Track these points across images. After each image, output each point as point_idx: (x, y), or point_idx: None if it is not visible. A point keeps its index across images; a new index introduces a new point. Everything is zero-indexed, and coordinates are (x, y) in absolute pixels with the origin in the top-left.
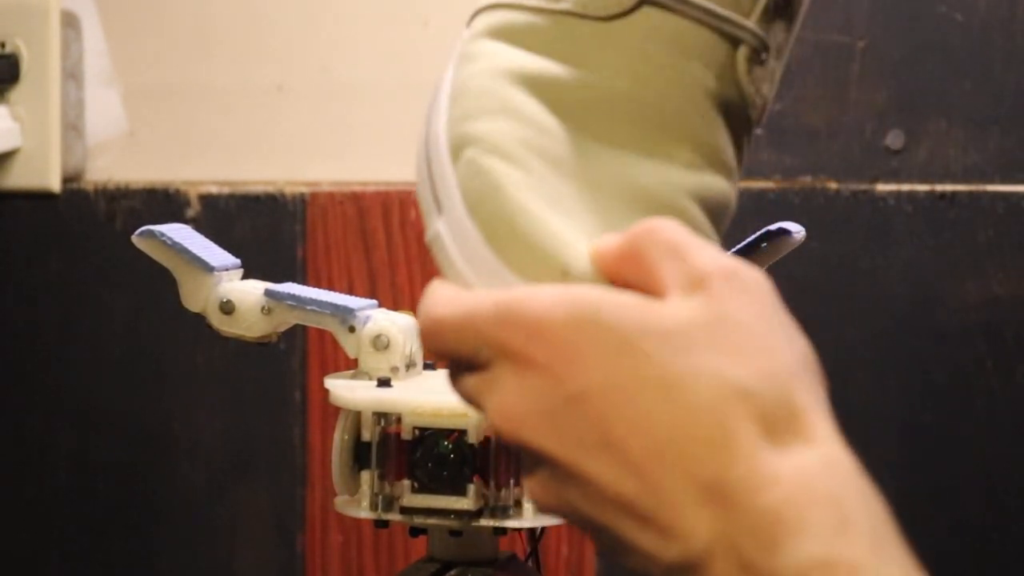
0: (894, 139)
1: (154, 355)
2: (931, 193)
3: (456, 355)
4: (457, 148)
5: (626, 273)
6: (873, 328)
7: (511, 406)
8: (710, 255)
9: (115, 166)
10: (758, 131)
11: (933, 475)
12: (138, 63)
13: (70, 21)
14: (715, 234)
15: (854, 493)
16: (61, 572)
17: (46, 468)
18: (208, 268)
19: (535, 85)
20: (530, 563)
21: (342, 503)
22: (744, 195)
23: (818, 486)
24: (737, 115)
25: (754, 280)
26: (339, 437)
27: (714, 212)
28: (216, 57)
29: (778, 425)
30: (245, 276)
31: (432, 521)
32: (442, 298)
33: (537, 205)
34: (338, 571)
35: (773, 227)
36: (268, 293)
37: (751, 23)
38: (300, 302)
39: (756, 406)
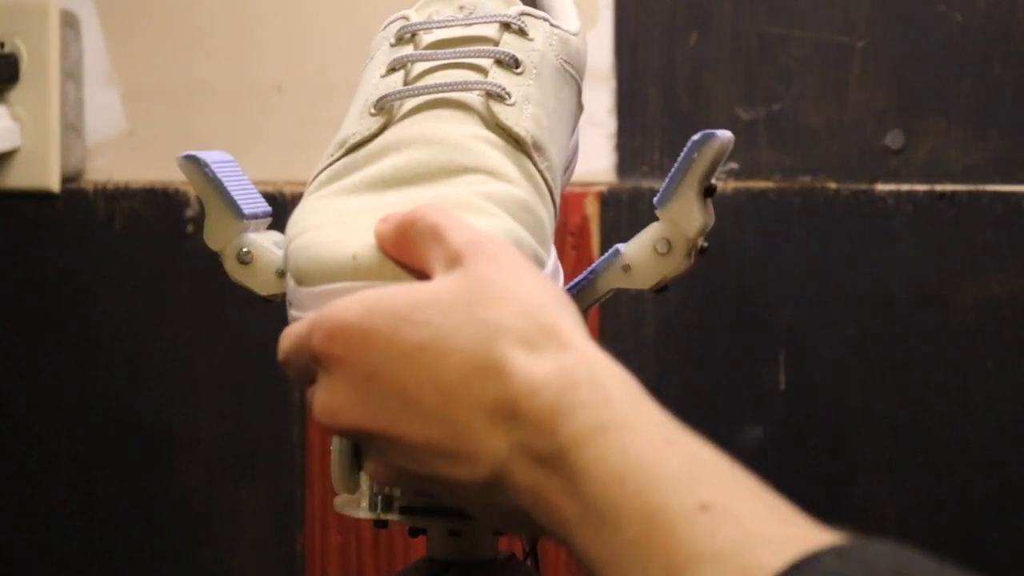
0: (894, 139)
1: (154, 355)
2: (931, 193)
3: (300, 377)
4: (285, 260)
5: (402, 256)
6: (873, 328)
7: (327, 401)
8: (463, 233)
9: (114, 166)
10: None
11: (933, 475)
12: (137, 63)
13: (69, 21)
14: (504, 213)
15: (610, 374)
16: (61, 572)
17: (46, 468)
18: (240, 214)
19: (339, 191)
20: (528, 563)
21: (341, 503)
22: (744, 195)
23: (579, 375)
24: (510, 144)
25: (499, 246)
26: (338, 437)
27: (504, 203)
28: (215, 57)
29: (536, 343)
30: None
31: (431, 521)
32: (283, 336)
33: (334, 235)
34: (338, 571)
35: (697, 135)
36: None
37: (487, 79)
38: None
39: (515, 334)
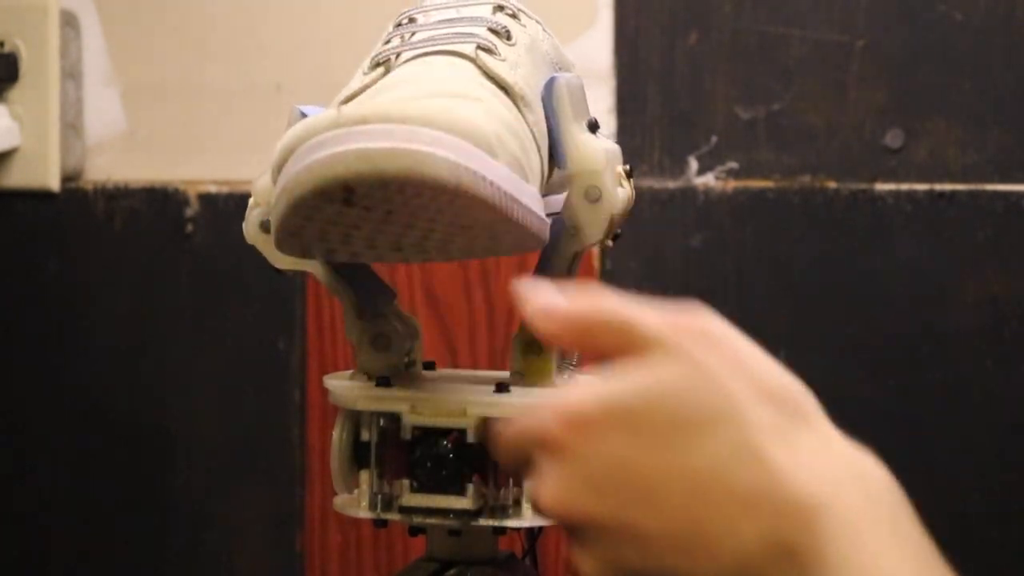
0: (893, 138)
1: (154, 355)
2: (930, 192)
3: (515, 462)
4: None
5: (583, 343)
6: (873, 328)
7: (561, 493)
8: (654, 319)
9: (114, 165)
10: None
11: (933, 475)
12: (137, 62)
13: (69, 20)
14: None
15: (874, 476)
16: (61, 572)
17: (46, 468)
18: None
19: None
20: (527, 562)
21: (341, 503)
22: (743, 195)
23: (841, 471)
24: (501, 91)
25: (718, 328)
26: (338, 436)
27: (494, 115)
28: (215, 56)
29: (792, 433)
30: (245, 276)
31: (431, 521)
32: (512, 421)
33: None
34: (337, 571)
35: (541, 90)
36: None
37: (480, 37)
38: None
39: (770, 418)
